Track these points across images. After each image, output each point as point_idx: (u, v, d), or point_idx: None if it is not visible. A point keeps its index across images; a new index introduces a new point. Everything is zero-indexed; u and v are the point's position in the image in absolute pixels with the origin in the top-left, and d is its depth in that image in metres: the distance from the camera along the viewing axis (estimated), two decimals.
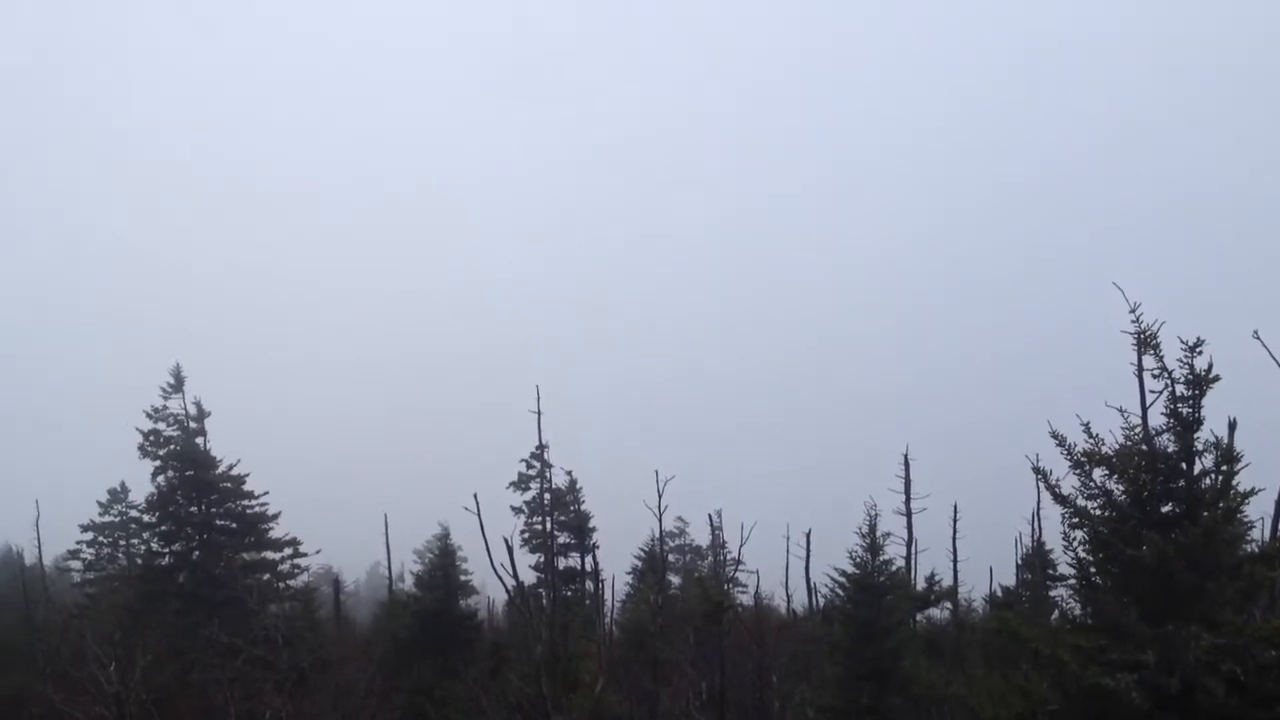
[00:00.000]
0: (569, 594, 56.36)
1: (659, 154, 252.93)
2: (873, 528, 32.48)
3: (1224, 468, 14.67)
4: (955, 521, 42.43)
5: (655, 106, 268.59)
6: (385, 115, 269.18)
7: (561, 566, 58.88)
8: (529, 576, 52.71)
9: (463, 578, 50.07)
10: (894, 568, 36.00)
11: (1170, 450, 14.91)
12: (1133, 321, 15.08)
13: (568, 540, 60.19)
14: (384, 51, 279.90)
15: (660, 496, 39.62)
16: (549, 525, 56.27)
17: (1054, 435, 15.31)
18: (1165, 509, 14.96)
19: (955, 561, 42.17)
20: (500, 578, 30.68)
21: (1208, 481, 14.75)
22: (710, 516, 51.20)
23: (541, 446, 53.82)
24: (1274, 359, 20.83)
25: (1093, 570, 15.47)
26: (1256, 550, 15.49)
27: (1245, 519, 15.25)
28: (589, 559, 54.44)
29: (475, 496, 30.63)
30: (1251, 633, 14.00)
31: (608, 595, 41.65)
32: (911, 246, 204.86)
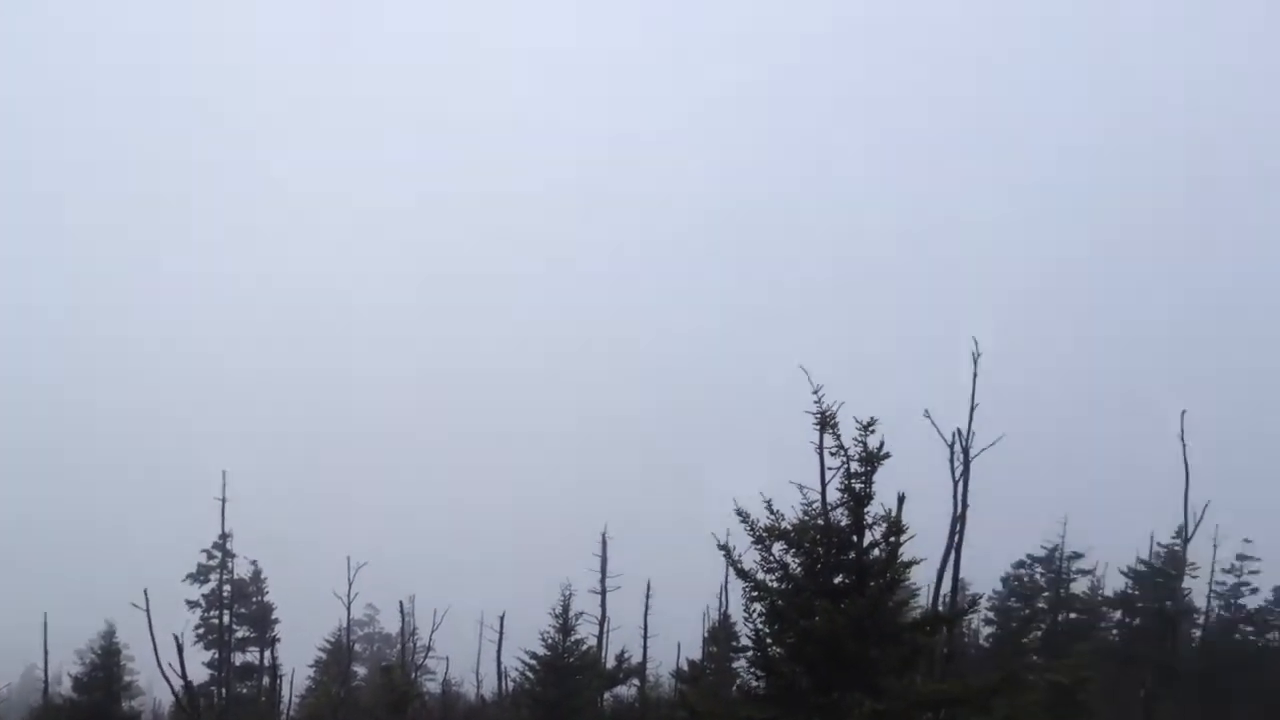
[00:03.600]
0: (244, 691, 53.06)
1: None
2: (566, 608, 32.50)
3: (891, 539, 15.56)
4: (648, 598, 42.98)
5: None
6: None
7: (239, 662, 55.46)
8: (202, 674, 49.41)
9: (128, 678, 46.37)
10: (585, 647, 36.03)
11: (844, 524, 15.67)
12: (815, 403, 15.87)
13: (247, 634, 56.73)
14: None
15: (350, 584, 38.05)
16: (228, 619, 52.87)
17: (739, 512, 15.83)
18: (837, 580, 15.69)
19: (645, 637, 42.57)
20: (167, 678, 29.74)
21: (876, 553, 15.58)
22: (401, 603, 49.52)
23: (224, 535, 50.88)
24: (940, 435, 23.00)
25: (769, 641, 15.95)
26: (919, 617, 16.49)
27: (912, 586, 16.20)
28: (269, 653, 51.40)
29: (145, 592, 30.16)
30: (912, 697, 14.79)
31: (286, 691, 39.33)
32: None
